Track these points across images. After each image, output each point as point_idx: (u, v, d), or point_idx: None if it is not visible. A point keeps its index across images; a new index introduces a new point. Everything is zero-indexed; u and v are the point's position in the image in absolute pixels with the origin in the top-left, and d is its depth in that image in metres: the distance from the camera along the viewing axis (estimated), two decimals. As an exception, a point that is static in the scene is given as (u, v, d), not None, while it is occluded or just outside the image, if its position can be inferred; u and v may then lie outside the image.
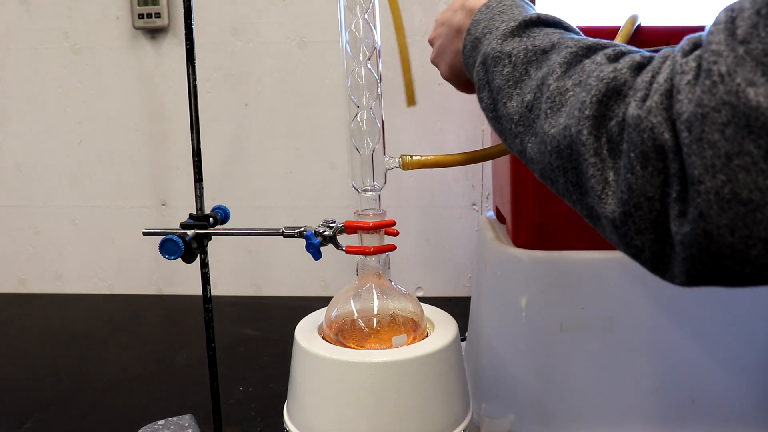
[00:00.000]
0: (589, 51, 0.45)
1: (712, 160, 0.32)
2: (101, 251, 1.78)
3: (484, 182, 1.66)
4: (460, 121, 1.61)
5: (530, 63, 0.49)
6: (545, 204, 0.93)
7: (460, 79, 0.66)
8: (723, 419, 0.93)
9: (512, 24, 0.53)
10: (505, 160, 1.02)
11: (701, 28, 0.36)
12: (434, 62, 0.70)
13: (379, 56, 0.71)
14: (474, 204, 1.67)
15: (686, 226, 0.34)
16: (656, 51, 0.42)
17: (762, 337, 0.92)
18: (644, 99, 0.37)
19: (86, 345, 1.46)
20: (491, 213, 1.25)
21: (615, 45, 0.44)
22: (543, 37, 0.50)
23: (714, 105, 0.32)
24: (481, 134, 1.61)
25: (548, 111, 0.44)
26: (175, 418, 1.01)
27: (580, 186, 0.42)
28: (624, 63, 0.40)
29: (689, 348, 0.92)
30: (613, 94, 0.39)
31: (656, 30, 0.85)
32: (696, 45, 0.36)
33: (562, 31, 0.52)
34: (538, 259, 0.94)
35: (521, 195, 0.95)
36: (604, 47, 0.44)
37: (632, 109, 0.37)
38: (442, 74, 0.69)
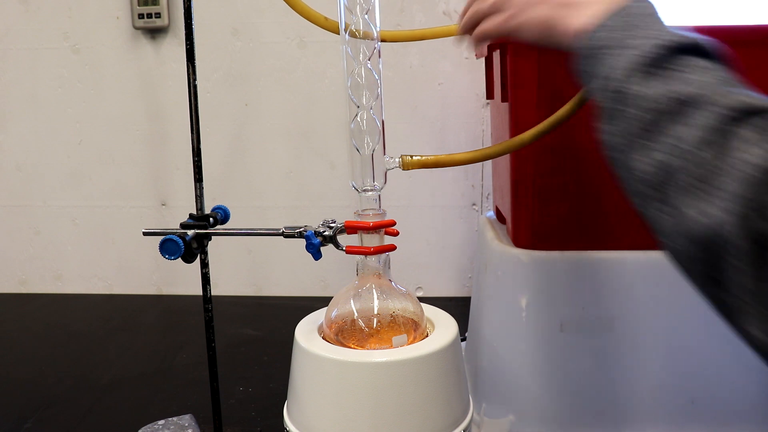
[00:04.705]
0: (736, 116, 0.40)
1: None
2: (101, 251, 1.78)
3: (484, 182, 1.66)
4: (460, 121, 1.61)
5: (665, 113, 0.43)
6: (545, 204, 0.93)
7: (542, 41, 0.59)
8: (723, 419, 0.93)
9: (652, 52, 0.46)
10: (505, 160, 1.02)
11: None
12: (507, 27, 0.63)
13: (379, 56, 0.71)
14: (474, 204, 1.67)
15: None
16: None
17: (762, 337, 0.92)
18: None
19: (86, 345, 1.46)
20: (491, 213, 1.25)
21: (765, 110, 0.39)
22: (684, 77, 0.44)
23: None
24: (481, 134, 1.61)
25: (687, 187, 0.40)
26: (175, 418, 1.01)
27: (719, 282, 0.38)
28: None
29: (690, 348, 0.92)
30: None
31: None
32: None
33: (706, 64, 0.45)
34: (538, 259, 0.94)
35: (521, 195, 0.95)
36: (753, 112, 0.39)
37: None
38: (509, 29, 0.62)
